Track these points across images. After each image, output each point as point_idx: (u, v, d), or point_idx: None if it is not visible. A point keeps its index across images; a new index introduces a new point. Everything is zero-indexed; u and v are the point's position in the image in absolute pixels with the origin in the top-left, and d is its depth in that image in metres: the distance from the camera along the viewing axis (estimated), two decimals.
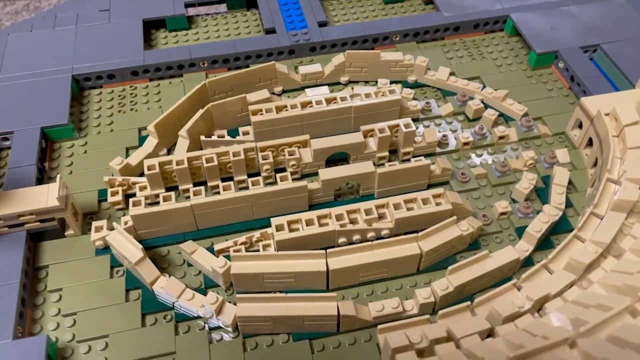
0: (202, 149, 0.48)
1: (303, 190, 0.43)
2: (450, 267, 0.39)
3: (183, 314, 0.40)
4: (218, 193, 0.44)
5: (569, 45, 0.56)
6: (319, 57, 0.57)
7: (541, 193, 0.46)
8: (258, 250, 0.42)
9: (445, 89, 0.54)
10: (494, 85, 0.54)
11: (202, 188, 0.44)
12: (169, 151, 0.50)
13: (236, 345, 0.38)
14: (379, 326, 0.36)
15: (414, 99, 0.53)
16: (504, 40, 0.59)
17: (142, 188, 0.45)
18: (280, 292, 0.40)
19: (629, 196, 0.38)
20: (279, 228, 0.41)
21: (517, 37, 0.59)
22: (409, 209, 0.42)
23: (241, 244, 0.42)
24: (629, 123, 0.43)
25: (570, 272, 0.36)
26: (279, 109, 0.48)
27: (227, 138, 0.48)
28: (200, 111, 0.49)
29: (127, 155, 0.49)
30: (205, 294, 0.40)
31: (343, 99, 0.49)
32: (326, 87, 0.52)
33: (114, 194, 0.45)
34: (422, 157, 0.47)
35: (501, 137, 0.50)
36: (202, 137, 0.48)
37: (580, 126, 0.49)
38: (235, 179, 0.46)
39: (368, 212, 0.42)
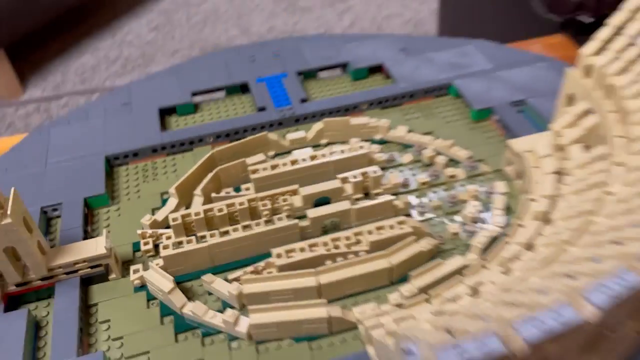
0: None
1: (295, 227, 0.55)
2: (412, 273, 0.50)
3: (207, 331, 0.50)
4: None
5: (501, 102, 0.69)
6: (302, 126, 0.71)
7: (485, 216, 0.58)
8: None
9: (405, 143, 0.67)
10: (444, 137, 0.67)
11: (216, 232, 0.55)
12: (187, 208, 0.61)
13: (251, 350, 0.49)
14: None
15: (381, 152, 0.66)
16: (450, 102, 0.73)
17: (168, 237, 0.57)
18: None
19: (541, 208, 0.50)
20: (279, 255, 0.52)
21: (460, 98, 0.73)
22: (379, 234, 0.54)
23: (250, 272, 0.53)
24: (542, 156, 0.56)
25: (500, 266, 0.47)
26: (272, 167, 0.61)
27: (233, 193, 0.60)
28: (210, 174, 0.61)
29: (153, 214, 0.61)
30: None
31: (323, 155, 0.61)
32: (310, 148, 0.65)
33: (145, 243, 0.57)
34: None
35: (451, 176, 0.62)
36: (213, 194, 0.60)
37: (511, 163, 0.61)
38: (242, 223, 0.57)
39: (348, 238, 0.53)
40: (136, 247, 0.58)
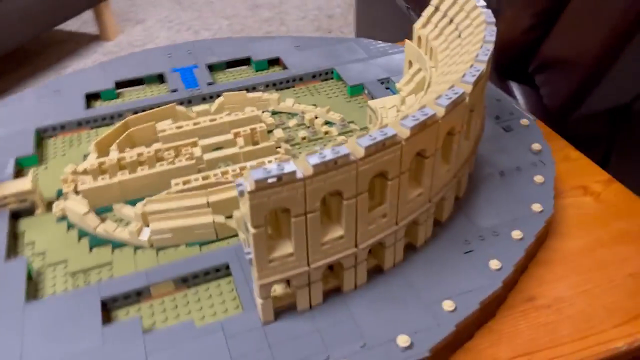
0: None
1: (193, 168, 0.68)
2: None
3: (116, 244, 0.61)
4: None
5: (371, 80, 0.85)
6: (208, 103, 0.84)
7: None
8: None
9: (292, 112, 0.82)
10: (324, 107, 0.82)
11: (126, 171, 0.67)
12: None
13: (152, 253, 0.60)
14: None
15: (271, 118, 0.80)
16: (333, 84, 0.89)
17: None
18: None
19: None
20: (177, 184, 0.64)
21: (341, 81, 0.89)
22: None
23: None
24: (389, 107, 0.71)
25: None
26: (177, 127, 0.73)
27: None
28: (124, 134, 0.73)
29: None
30: None
31: (221, 117, 0.75)
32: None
33: (67, 187, 0.68)
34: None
35: (326, 132, 0.76)
36: (127, 149, 0.72)
37: (371, 119, 0.76)
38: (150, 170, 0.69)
39: (234, 170, 0.66)
40: (60, 193, 0.69)
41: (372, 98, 0.82)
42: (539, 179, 0.65)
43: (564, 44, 0.94)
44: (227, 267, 0.57)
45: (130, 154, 0.69)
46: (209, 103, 0.84)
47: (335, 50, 0.94)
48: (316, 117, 0.79)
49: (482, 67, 0.54)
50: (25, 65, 2.27)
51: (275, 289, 0.52)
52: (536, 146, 0.71)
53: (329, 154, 0.43)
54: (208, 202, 0.62)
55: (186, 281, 0.56)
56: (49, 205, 0.67)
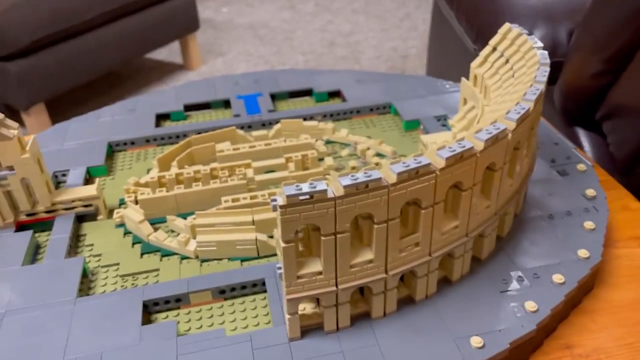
0: None
1: (244, 187, 0.71)
2: None
3: (165, 252, 0.65)
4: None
5: (427, 116, 0.86)
6: (268, 129, 0.88)
7: None
8: None
9: (345, 142, 0.84)
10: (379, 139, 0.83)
11: (182, 186, 0.72)
12: None
13: (196, 264, 0.63)
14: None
15: (324, 146, 0.82)
16: (390, 118, 0.90)
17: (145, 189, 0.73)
18: None
19: None
20: (226, 201, 0.67)
21: (398, 116, 0.90)
22: None
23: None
24: (434, 142, 0.72)
25: None
26: (235, 149, 0.77)
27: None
28: (186, 152, 0.78)
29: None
30: None
31: (276, 142, 0.78)
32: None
33: (129, 197, 0.73)
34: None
35: (376, 163, 0.78)
36: (186, 166, 0.77)
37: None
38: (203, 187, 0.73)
39: None
40: (122, 202, 0.74)
41: (427, 134, 0.83)
42: (589, 225, 0.63)
43: (633, 91, 0.91)
44: (264, 284, 0.59)
45: (187, 170, 0.73)
46: (268, 129, 0.88)
47: (396, 86, 0.96)
48: (368, 149, 0.81)
49: (528, 105, 0.54)
50: (117, 88, 2.45)
51: (305, 307, 0.53)
52: (590, 192, 0.68)
53: (361, 176, 0.44)
54: (253, 220, 0.65)
55: (224, 293, 0.58)
56: (110, 212, 0.72)
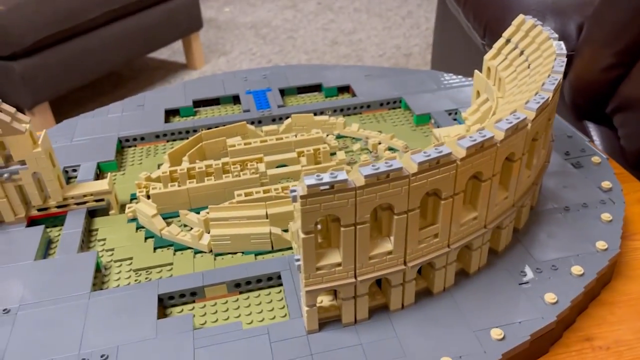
0: None
1: (256, 181, 0.70)
2: None
3: (179, 247, 0.64)
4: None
5: (438, 110, 0.86)
6: (278, 124, 0.88)
7: None
8: None
9: (356, 136, 0.83)
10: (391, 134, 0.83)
11: (194, 180, 0.71)
12: None
13: (210, 258, 0.62)
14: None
15: (335, 141, 0.82)
16: (400, 113, 0.90)
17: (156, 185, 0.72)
18: None
19: None
20: (239, 195, 0.67)
21: (409, 111, 0.90)
22: None
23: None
24: (453, 136, 0.71)
25: None
26: (246, 143, 0.77)
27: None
28: (197, 147, 0.78)
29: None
30: None
31: (287, 137, 0.78)
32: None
33: (140, 192, 0.72)
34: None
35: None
36: (197, 161, 0.76)
37: None
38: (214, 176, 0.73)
39: (294, 185, 0.68)
40: (133, 196, 0.74)
41: (438, 128, 0.83)
42: (606, 216, 0.63)
43: None
44: (279, 277, 0.58)
45: (199, 165, 0.72)
46: (278, 124, 0.87)
47: (406, 81, 0.95)
48: (379, 143, 0.80)
49: (547, 95, 0.54)
50: (119, 88, 2.44)
51: (322, 300, 0.52)
52: (606, 184, 0.68)
53: (382, 166, 0.44)
54: (267, 214, 0.64)
55: (239, 286, 0.58)
56: (122, 207, 0.72)
